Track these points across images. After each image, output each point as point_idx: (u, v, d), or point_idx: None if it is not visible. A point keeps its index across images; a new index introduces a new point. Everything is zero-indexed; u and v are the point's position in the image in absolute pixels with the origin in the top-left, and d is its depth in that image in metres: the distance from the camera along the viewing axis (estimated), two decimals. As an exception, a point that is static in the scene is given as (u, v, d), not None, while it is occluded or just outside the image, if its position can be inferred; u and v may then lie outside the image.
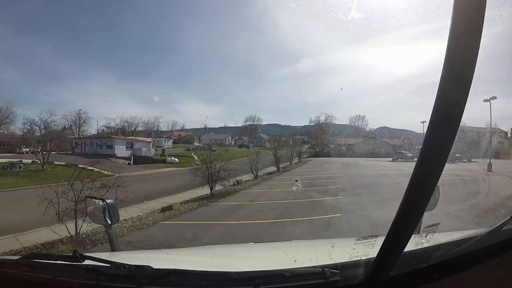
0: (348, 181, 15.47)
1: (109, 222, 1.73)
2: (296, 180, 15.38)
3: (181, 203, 10.50)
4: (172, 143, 40.91)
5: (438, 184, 0.80)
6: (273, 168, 22.46)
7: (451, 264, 0.99)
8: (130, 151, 27.40)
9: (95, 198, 1.86)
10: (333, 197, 10.89)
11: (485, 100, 18.98)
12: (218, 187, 12.70)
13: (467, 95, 0.67)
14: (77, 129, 36.74)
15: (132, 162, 25.11)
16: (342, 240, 2.88)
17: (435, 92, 0.68)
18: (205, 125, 49.63)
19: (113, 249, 1.80)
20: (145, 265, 0.99)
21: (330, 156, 39.52)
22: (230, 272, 0.98)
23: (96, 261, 1.03)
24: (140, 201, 10.13)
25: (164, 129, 47.17)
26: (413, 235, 0.84)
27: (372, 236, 1.07)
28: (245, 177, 17.07)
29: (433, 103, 0.68)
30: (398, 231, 0.80)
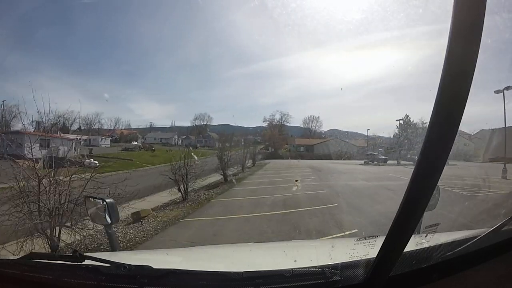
0: (353, 207, 8.45)
1: (109, 222, 1.73)
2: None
3: None
4: (114, 142, 37.20)
5: (438, 184, 0.80)
6: (218, 177, 15.23)
7: (451, 264, 0.99)
8: (45, 151, 21.24)
9: (95, 198, 1.87)
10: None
11: (497, 91, 16.10)
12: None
13: (468, 95, 0.67)
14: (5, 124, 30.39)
15: (42, 165, 17.69)
16: (342, 240, 2.87)
17: (435, 92, 0.68)
18: (151, 123, 46.74)
19: (113, 249, 1.81)
20: (145, 265, 0.99)
21: (289, 158, 35.13)
22: (230, 272, 0.98)
23: (96, 261, 1.03)
24: None
25: (112, 127, 44.00)
26: (413, 235, 0.84)
27: (372, 236, 1.07)
28: (167, 197, 10.18)
29: (433, 103, 0.69)
30: (398, 231, 0.80)
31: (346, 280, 0.93)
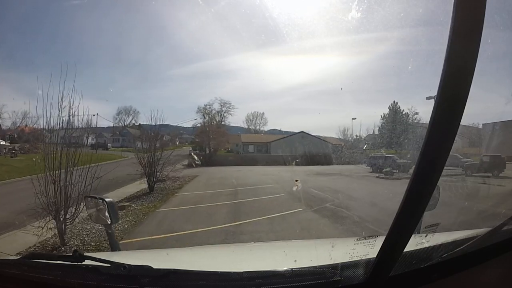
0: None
1: (109, 222, 1.73)
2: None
3: None
4: (11, 141, 29.50)
5: (438, 184, 0.80)
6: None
7: (451, 264, 0.99)
8: None
9: (95, 197, 1.86)
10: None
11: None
12: None
13: (467, 95, 0.67)
14: None
15: None
16: (342, 240, 2.87)
17: (434, 92, 0.68)
18: (63, 119, 42.08)
19: (113, 249, 1.80)
20: (145, 265, 0.99)
21: (237, 164, 23.20)
22: (230, 272, 0.98)
23: (96, 261, 1.03)
24: None
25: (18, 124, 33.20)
26: (413, 235, 0.84)
27: (372, 236, 1.07)
28: None
29: (433, 103, 0.68)
30: (398, 231, 0.80)
31: (346, 280, 0.93)
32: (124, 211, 8.17)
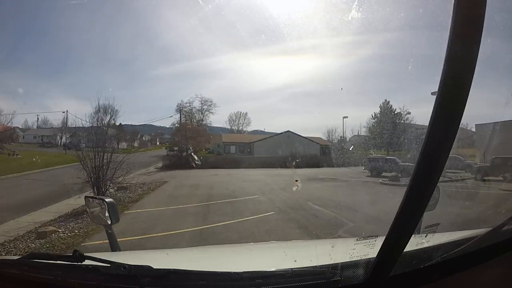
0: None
1: (109, 222, 1.73)
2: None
3: None
4: None
5: (438, 184, 0.80)
6: None
7: (451, 264, 0.99)
8: None
9: (95, 197, 1.87)
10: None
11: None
12: None
13: (467, 95, 0.67)
14: None
15: None
16: (342, 240, 2.88)
17: (434, 89, 0.68)
18: (37, 117, 37.53)
19: (113, 249, 1.80)
20: (145, 265, 0.99)
21: (217, 167, 20.58)
22: (230, 272, 0.98)
23: (96, 261, 1.03)
24: None
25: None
26: (413, 235, 0.84)
27: (372, 236, 1.07)
28: None
29: (433, 103, 0.69)
30: (398, 231, 0.80)
31: (346, 280, 0.93)
32: (43, 240, 5.97)
